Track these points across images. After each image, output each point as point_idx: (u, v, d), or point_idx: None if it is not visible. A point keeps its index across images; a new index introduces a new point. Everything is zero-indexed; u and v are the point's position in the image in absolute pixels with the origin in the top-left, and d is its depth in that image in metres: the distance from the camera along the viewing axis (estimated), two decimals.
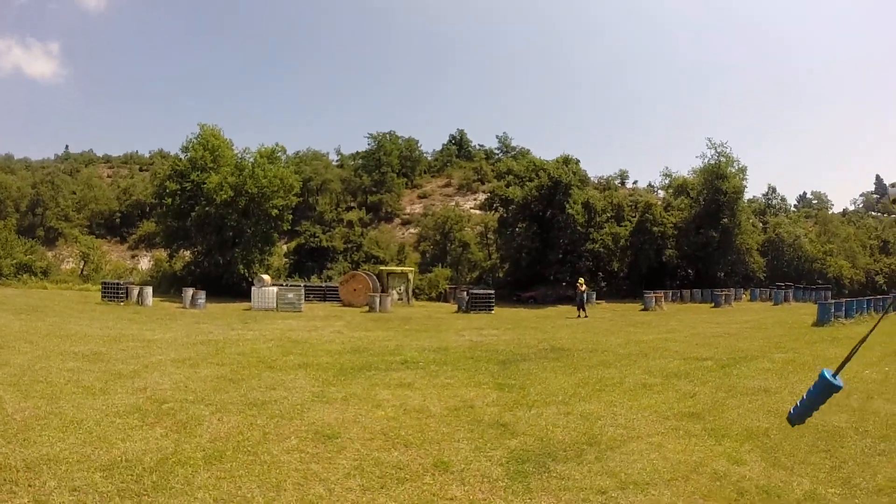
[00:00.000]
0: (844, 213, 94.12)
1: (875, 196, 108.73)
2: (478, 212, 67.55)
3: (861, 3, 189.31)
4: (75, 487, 5.40)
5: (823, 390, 3.21)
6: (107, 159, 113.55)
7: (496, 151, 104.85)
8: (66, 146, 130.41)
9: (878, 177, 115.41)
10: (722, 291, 40.86)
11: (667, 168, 75.43)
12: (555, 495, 5.73)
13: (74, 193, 77.72)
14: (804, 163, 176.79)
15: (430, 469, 6.35)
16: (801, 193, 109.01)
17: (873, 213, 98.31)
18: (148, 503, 5.18)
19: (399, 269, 42.68)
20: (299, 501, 5.40)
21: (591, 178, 61.77)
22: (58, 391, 9.09)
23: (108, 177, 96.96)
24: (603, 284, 48.88)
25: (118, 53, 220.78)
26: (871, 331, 3.56)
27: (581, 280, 33.09)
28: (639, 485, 6.00)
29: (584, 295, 31.69)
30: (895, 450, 7.34)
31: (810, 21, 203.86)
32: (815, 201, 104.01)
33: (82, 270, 49.38)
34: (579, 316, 29.37)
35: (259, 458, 6.43)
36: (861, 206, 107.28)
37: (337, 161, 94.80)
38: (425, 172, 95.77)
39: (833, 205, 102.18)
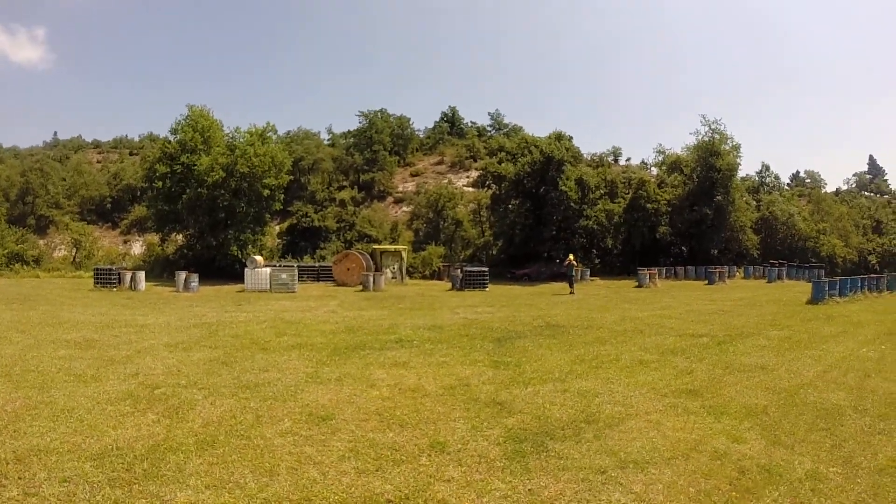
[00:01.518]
0: (838, 192, 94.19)
1: (868, 176, 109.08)
2: (470, 189, 67.17)
3: None
4: (66, 478, 5.32)
5: None
6: (96, 144, 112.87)
7: (488, 129, 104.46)
8: (55, 133, 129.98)
9: (871, 157, 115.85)
10: (716, 268, 40.97)
11: (660, 145, 74.91)
12: (553, 475, 5.67)
13: (64, 180, 77.11)
14: (798, 142, 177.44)
15: (427, 450, 6.28)
16: (795, 172, 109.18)
17: (866, 193, 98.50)
18: (139, 492, 5.09)
19: (392, 247, 42.43)
20: (293, 486, 5.31)
21: (585, 155, 61.35)
22: (49, 380, 8.98)
23: (98, 162, 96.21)
24: (597, 261, 48.78)
25: (105, 37, 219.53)
26: None
27: (571, 256, 33.07)
28: (638, 463, 5.95)
29: (575, 271, 31.72)
30: (895, 429, 7.30)
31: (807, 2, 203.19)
32: (808, 180, 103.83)
33: (74, 257, 48.91)
34: (571, 293, 29.32)
35: (252, 443, 6.34)
36: (854, 185, 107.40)
37: (328, 140, 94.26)
38: (417, 150, 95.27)
39: (826, 184, 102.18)
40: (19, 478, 5.32)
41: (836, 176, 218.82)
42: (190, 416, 7.25)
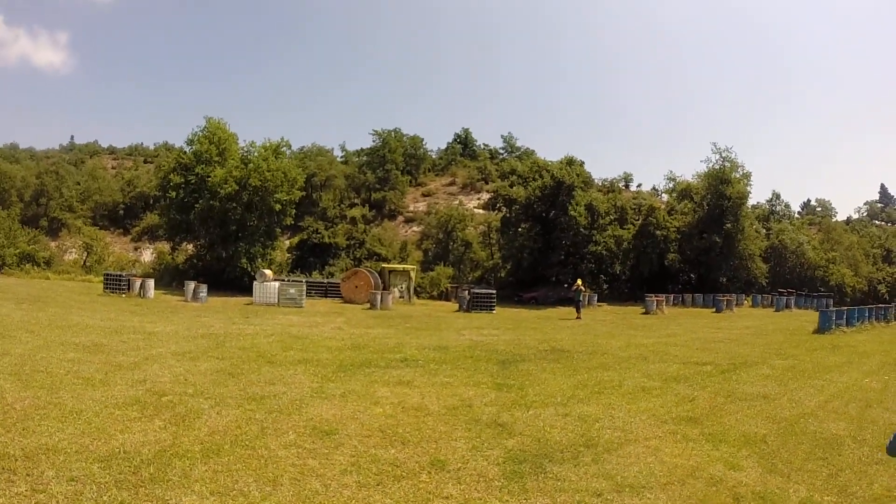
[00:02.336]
0: (848, 221, 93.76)
1: (879, 205, 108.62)
2: (481, 211, 67.43)
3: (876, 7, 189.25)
4: (73, 478, 5.44)
5: None
6: (112, 151, 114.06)
7: (501, 151, 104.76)
8: (72, 137, 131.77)
9: (882, 186, 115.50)
10: (723, 297, 40.77)
11: (671, 172, 74.78)
12: (550, 496, 5.74)
13: (79, 184, 77.70)
14: (810, 170, 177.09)
15: (427, 467, 6.37)
16: (805, 200, 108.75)
17: (877, 221, 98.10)
18: (145, 495, 5.20)
19: (401, 266, 42.47)
20: (295, 497, 5.41)
21: (595, 181, 61.46)
22: (58, 381, 9.12)
23: (113, 168, 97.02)
24: (605, 287, 48.71)
25: (126, 44, 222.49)
26: None
27: (579, 281, 33.13)
28: (635, 488, 6.01)
29: (582, 296, 31.75)
30: (892, 459, 7.34)
31: (819, 27, 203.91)
32: (818, 209, 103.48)
33: (85, 261, 49.39)
34: (578, 318, 29.31)
35: (256, 453, 6.45)
36: (865, 214, 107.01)
37: (341, 157, 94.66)
38: (429, 171, 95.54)
39: (837, 213, 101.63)
40: (28, 475, 5.44)
41: (848, 204, 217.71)
42: (196, 425, 7.37)
